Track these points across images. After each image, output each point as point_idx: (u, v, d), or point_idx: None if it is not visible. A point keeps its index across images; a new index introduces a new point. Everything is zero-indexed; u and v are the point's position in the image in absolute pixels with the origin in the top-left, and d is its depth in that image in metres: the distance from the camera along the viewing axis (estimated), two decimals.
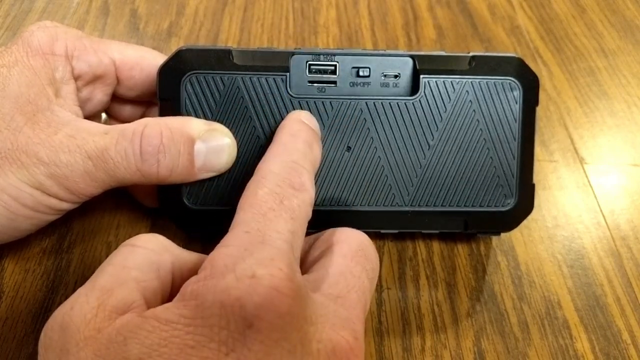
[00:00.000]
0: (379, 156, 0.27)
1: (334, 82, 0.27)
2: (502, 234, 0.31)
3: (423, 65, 0.27)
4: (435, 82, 0.27)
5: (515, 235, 0.31)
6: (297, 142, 0.24)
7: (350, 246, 0.23)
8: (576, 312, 0.28)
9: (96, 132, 0.24)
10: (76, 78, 0.27)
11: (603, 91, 0.40)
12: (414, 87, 0.27)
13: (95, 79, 0.28)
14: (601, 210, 0.33)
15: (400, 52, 0.27)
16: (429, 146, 0.27)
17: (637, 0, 0.47)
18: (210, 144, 0.25)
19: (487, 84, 0.27)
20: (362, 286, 0.22)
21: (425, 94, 0.27)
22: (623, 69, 0.41)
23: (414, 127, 0.27)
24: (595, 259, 0.30)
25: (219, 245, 0.20)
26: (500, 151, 0.28)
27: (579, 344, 0.27)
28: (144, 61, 0.28)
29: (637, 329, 0.28)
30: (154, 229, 0.30)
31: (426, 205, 0.28)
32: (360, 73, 0.27)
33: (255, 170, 0.23)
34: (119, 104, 0.30)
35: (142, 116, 0.31)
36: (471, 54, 0.27)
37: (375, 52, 0.27)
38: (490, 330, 0.27)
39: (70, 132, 0.24)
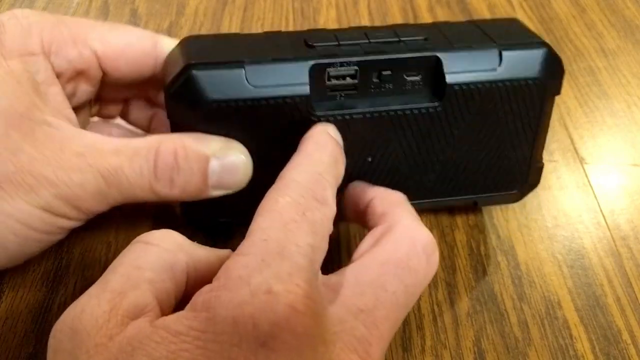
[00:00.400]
0: (399, 162, 0.27)
1: (354, 88, 0.25)
2: (502, 235, 0.31)
3: (449, 68, 0.24)
4: (461, 87, 0.25)
5: (515, 235, 0.31)
6: (324, 154, 0.22)
7: (395, 254, 0.21)
8: (576, 312, 0.28)
9: (107, 149, 0.23)
10: (57, 76, 0.24)
11: (603, 91, 0.40)
12: (439, 91, 0.25)
13: (77, 74, 0.25)
14: (601, 210, 0.33)
15: (422, 47, 0.25)
16: (449, 145, 0.27)
17: (637, 0, 0.47)
18: (225, 162, 0.24)
19: (514, 85, 0.25)
20: (395, 303, 0.20)
21: (450, 101, 0.25)
22: (623, 69, 0.41)
23: (437, 132, 0.26)
24: (595, 259, 0.30)
25: (235, 252, 0.19)
26: (518, 142, 0.27)
27: (579, 344, 0.27)
28: (129, 50, 0.25)
29: (637, 329, 0.28)
30: (155, 228, 0.30)
31: (442, 197, 0.29)
32: (382, 77, 0.25)
33: (278, 178, 0.21)
34: (111, 91, 0.29)
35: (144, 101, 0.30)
36: (498, 47, 0.25)
37: (398, 50, 0.24)
38: (490, 330, 0.27)
39: (79, 148, 0.22)
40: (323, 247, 0.20)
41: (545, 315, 0.28)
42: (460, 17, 0.45)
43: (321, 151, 0.22)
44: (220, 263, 0.20)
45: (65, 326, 0.18)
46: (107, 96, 0.29)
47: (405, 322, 0.27)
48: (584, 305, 0.28)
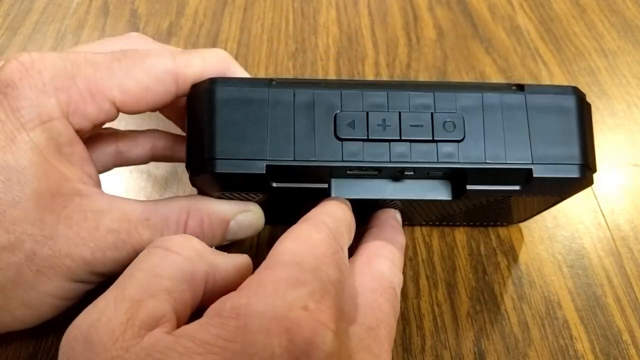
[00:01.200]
0: (404, 215, 0.28)
1: (375, 176, 0.24)
2: (502, 235, 0.31)
3: (473, 181, 0.23)
4: (481, 192, 0.23)
5: (515, 235, 0.31)
6: (344, 219, 0.23)
7: (381, 283, 0.22)
8: (576, 312, 0.28)
9: (137, 220, 0.23)
10: (76, 131, 0.23)
11: (603, 91, 0.40)
12: (458, 191, 0.24)
13: (95, 127, 0.24)
14: (601, 210, 0.33)
15: (453, 155, 0.22)
16: (457, 210, 0.27)
17: (637, 1, 0.47)
18: (242, 222, 0.25)
19: (534, 197, 0.24)
20: (389, 323, 0.21)
21: (467, 198, 0.24)
22: (623, 69, 0.41)
23: (448, 209, 0.27)
24: (595, 259, 0.30)
25: (264, 266, 0.19)
26: (524, 207, 0.28)
27: (579, 344, 0.27)
28: (149, 94, 0.23)
29: (637, 329, 0.28)
30: None
31: (439, 223, 0.30)
32: (405, 174, 0.23)
33: (305, 217, 0.22)
34: None
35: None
36: (532, 165, 0.22)
37: (427, 156, 0.22)
38: (490, 330, 0.27)
39: (111, 224, 0.22)
40: (343, 289, 0.20)
41: (545, 315, 0.28)
42: (460, 17, 0.45)
43: (343, 214, 0.23)
44: (239, 273, 0.21)
45: (80, 334, 0.17)
46: None
47: (405, 322, 0.27)
48: (584, 306, 0.28)
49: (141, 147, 0.28)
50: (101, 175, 0.26)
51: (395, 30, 0.44)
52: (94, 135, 0.27)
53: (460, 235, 0.31)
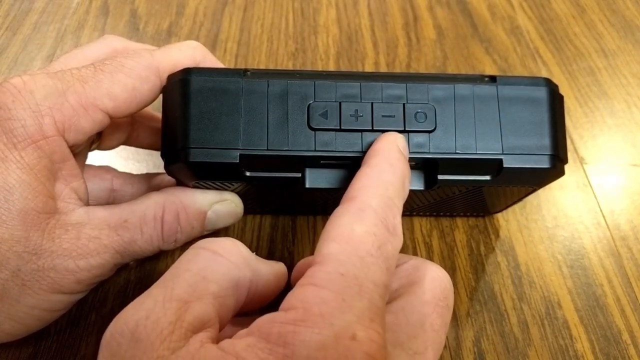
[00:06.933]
0: None
1: (349, 161, 0.23)
2: (502, 235, 0.31)
3: (444, 171, 0.23)
4: (452, 183, 0.24)
5: (515, 236, 0.31)
6: (395, 175, 0.21)
7: (434, 292, 0.21)
8: (576, 312, 0.28)
9: (116, 224, 0.23)
10: (70, 146, 0.23)
11: (603, 91, 0.40)
12: (430, 181, 0.24)
13: (89, 140, 0.25)
14: (601, 210, 0.33)
15: (424, 145, 0.23)
16: (432, 200, 0.27)
17: (637, 0, 0.47)
18: (220, 212, 0.26)
19: (506, 187, 0.25)
20: (439, 341, 0.20)
21: (439, 188, 0.24)
22: (623, 69, 0.41)
23: (420, 198, 0.26)
24: (595, 259, 0.30)
25: (308, 280, 0.18)
26: (497, 198, 0.28)
27: (579, 344, 0.27)
28: (136, 94, 0.23)
29: (637, 329, 0.28)
30: None
31: (423, 213, 0.30)
32: None
33: (350, 197, 0.20)
34: None
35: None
36: (502, 156, 0.23)
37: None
38: (490, 330, 0.27)
39: (92, 232, 0.23)
40: (390, 284, 0.20)
41: (545, 315, 0.28)
42: (460, 17, 0.45)
43: (392, 171, 0.21)
44: (277, 280, 0.21)
45: (127, 329, 0.17)
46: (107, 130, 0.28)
47: None
48: (584, 306, 0.28)
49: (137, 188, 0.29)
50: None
51: (395, 30, 0.44)
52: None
53: (460, 235, 0.31)
